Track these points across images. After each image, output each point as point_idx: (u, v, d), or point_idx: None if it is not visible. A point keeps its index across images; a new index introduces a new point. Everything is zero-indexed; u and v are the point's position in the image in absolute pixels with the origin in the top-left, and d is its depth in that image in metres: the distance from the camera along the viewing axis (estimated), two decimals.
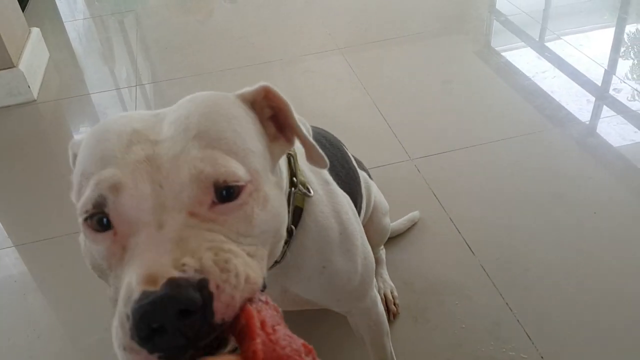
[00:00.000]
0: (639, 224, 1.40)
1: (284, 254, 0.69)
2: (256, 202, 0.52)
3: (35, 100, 2.20)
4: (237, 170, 0.50)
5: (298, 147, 0.65)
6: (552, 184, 1.55)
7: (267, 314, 0.45)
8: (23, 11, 2.46)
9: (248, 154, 0.53)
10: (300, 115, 0.62)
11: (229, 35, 2.63)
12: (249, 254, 0.50)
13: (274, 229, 0.55)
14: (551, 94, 1.95)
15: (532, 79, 2.06)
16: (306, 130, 0.62)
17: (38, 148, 1.95)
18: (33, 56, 2.30)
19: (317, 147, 0.62)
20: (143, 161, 0.49)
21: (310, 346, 0.45)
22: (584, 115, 1.82)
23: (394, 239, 1.42)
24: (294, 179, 0.70)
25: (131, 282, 0.44)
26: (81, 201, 0.50)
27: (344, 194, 0.82)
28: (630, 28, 2.39)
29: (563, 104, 1.89)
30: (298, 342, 0.44)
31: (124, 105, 2.18)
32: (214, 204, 0.49)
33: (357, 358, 1.14)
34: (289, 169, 0.70)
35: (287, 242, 0.69)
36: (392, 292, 1.26)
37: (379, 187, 1.32)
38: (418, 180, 1.60)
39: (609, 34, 2.37)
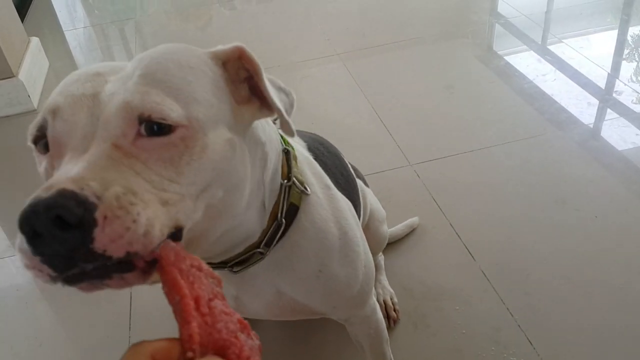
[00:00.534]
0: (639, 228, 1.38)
1: (270, 246, 0.68)
2: (188, 148, 0.51)
3: (35, 110, 2.20)
4: (167, 109, 0.50)
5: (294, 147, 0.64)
6: (553, 187, 1.54)
7: (202, 285, 0.44)
8: (22, 21, 2.47)
9: (191, 101, 0.53)
10: (298, 119, 0.62)
11: (227, 41, 2.62)
12: (165, 202, 0.49)
13: (207, 182, 0.53)
14: (552, 97, 1.94)
15: (533, 81, 2.05)
16: (288, 101, 0.62)
17: None
18: (33, 66, 2.30)
19: (285, 114, 0.60)
20: (89, 96, 0.52)
21: (246, 321, 0.44)
22: (586, 118, 1.81)
23: (393, 244, 1.41)
24: (290, 174, 0.69)
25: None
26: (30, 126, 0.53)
27: (345, 199, 0.82)
28: (633, 30, 2.38)
29: (564, 106, 1.88)
30: (234, 317, 0.43)
31: None
32: (138, 137, 0.50)
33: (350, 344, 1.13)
34: (286, 164, 0.70)
35: (277, 237, 0.69)
36: (391, 299, 1.25)
37: (378, 192, 1.32)
38: (418, 186, 1.60)
39: (611, 36, 2.36)
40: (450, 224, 1.45)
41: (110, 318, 1.31)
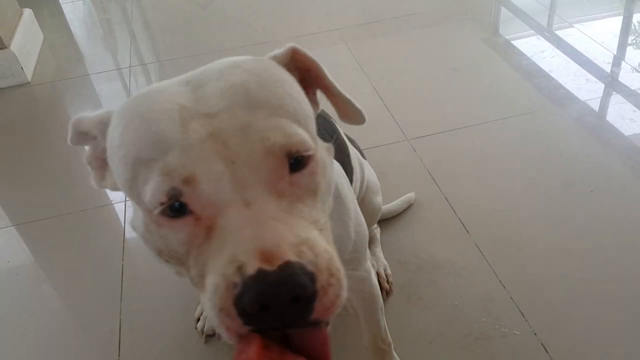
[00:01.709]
0: (636, 202, 1.38)
1: None
2: (321, 170, 0.52)
3: (29, 83, 2.18)
4: (306, 139, 0.49)
5: None
6: (550, 163, 1.53)
7: None
8: None
9: (307, 120, 0.52)
10: None
11: (226, 16, 2.60)
12: (328, 239, 0.50)
13: (328, 195, 0.54)
14: (550, 74, 1.92)
15: (532, 58, 2.03)
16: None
17: (32, 130, 1.94)
18: (25, 37, 2.27)
19: (354, 101, 0.61)
20: (207, 139, 0.46)
21: None
22: (583, 95, 1.80)
23: (390, 219, 1.40)
24: None
25: (236, 255, 0.44)
26: (150, 194, 0.47)
27: (334, 161, 0.81)
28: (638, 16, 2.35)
29: (562, 83, 1.87)
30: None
31: (124, 84, 2.16)
32: (290, 175, 0.48)
33: (350, 338, 1.13)
34: None
35: None
36: (385, 271, 1.25)
37: (375, 167, 1.31)
38: (414, 160, 1.59)
39: (617, 20, 2.32)
40: (446, 198, 1.44)
41: (102, 288, 1.31)
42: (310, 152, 0.49)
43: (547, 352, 1.07)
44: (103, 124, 0.55)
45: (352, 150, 1.06)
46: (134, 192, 0.49)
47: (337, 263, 0.47)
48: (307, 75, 0.59)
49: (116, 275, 1.33)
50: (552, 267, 1.23)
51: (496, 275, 1.23)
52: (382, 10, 2.47)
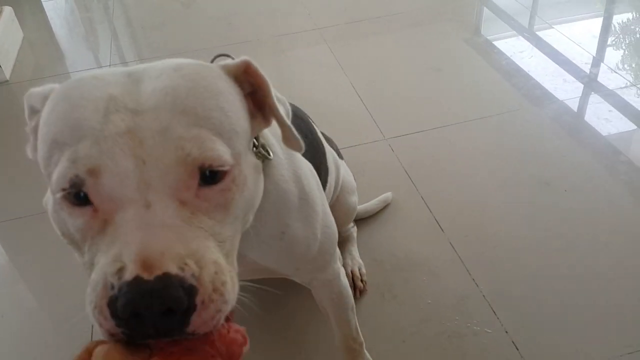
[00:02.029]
0: (610, 202, 1.39)
1: None
2: (237, 187, 0.51)
3: (7, 81, 2.16)
4: (223, 154, 0.49)
5: None
6: (526, 162, 1.54)
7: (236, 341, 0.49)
8: None
9: (233, 135, 0.52)
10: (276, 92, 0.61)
11: (208, 15, 2.59)
12: (227, 253, 0.50)
13: (245, 212, 0.55)
14: (529, 73, 1.94)
15: (511, 57, 2.04)
16: (285, 110, 0.61)
17: (9, 129, 1.92)
18: (5, 35, 2.25)
19: (294, 129, 0.60)
20: (124, 134, 0.46)
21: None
22: (560, 94, 1.81)
23: (366, 218, 1.41)
24: (255, 140, 0.68)
25: (121, 255, 0.44)
26: (55, 177, 0.47)
27: (306, 161, 0.81)
28: (619, 18, 2.36)
29: (540, 82, 1.88)
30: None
31: None
32: (198, 188, 0.48)
33: (322, 334, 1.13)
34: None
35: None
36: (360, 269, 1.25)
37: (352, 166, 1.31)
38: (391, 159, 1.59)
39: (597, 22, 2.34)
40: (422, 197, 1.45)
41: (76, 288, 1.29)
42: (224, 168, 0.49)
43: (517, 349, 1.08)
44: (45, 99, 0.55)
45: (328, 150, 1.06)
46: (46, 171, 0.50)
47: (224, 277, 0.47)
48: (258, 92, 0.59)
49: None
50: (525, 266, 1.24)
51: (469, 274, 1.23)
52: (364, 10, 2.48)
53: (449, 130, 1.69)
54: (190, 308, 0.44)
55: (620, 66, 1.94)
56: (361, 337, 1.01)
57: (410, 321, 1.16)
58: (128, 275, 0.43)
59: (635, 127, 1.66)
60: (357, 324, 1.01)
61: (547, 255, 1.26)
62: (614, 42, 2.12)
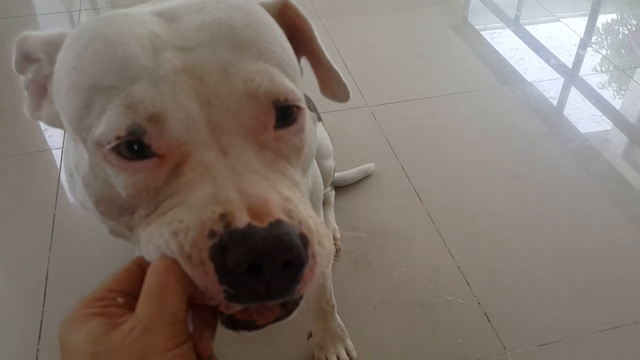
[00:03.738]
0: (590, 181, 1.39)
1: None
2: (304, 130, 0.46)
3: None
4: (296, 89, 0.43)
5: None
6: (507, 138, 1.52)
7: None
8: None
9: (295, 74, 0.46)
10: None
11: None
12: (308, 204, 0.45)
13: (310, 166, 0.49)
14: (514, 64, 1.91)
15: (497, 49, 2.01)
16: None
17: None
18: None
19: (341, 74, 0.55)
20: (181, 72, 0.40)
21: None
22: (545, 85, 1.80)
23: (346, 186, 1.37)
24: None
25: (217, 200, 0.38)
26: (103, 127, 0.39)
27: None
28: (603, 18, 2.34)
29: (527, 71, 1.86)
30: None
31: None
32: (274, 129, 0.43)
33: None
34: None
35: None
36: (334, 234, 1.23)
37: (332, 130, 1.28)
38: (373, 127, 1.56)
39: (582, 20, 2.32)
40: (402, 166, 1.42)
41: (31, 237, 1.23)
42: (300, 103, 0.43)
43: (489, 321, 1.07)
44: (53, 45, 0.47)
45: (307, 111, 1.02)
46: (82, 124, 0.42)
47: (324, 229, 0.42)
48: (295, 36, 0.52)
49: (47, 225, 1.25)
50: (502, 240, 1.23)
51: (445, 245, 1.22)
52: None
53: (432, 102, 1.66)
54: (304, 262, 0.38)
55: (601, 64, 1.94)
56: (333, 299, 0.98)
57: (382, 289, 1.13)
58: (239, 222, 0.37)
59: (613, 108, 1.65)
60: (332, 286, 0.99)
61: (525, 230, 1.25)
62: (597, 41, 2.10)
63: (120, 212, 0.44)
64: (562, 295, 1.12)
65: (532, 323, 1.06)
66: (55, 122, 0.50)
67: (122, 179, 0.41)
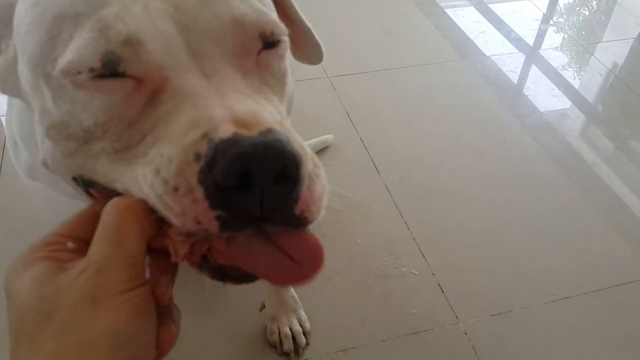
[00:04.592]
0: (544, 155, 1.40)
1: None
2: (285, 64, 0.44)
3: None
4: (280, 22, 0.41)
5: None
6: (466, 110, 1.52)
7: None
8: None
9: (273, 11, 0.44)
10: None
11: None
12: None
13: (291, 105, 0.47)
14: (475, 40, 1.90)
15: (462, 27, 2.00)
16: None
17: None
18: None
19: (314, 33, 0.54)
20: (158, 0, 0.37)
21: None
22: (505, 59, 1.80)
23: None
24: None
25: (198, 121, 0.34)
26: (73, 55, 0.36)
27: None
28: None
29: (489, 48, 1.86)
30: None
31: None
32: (257, 54, 0.40)
33: None
34: None
35: None
36: None
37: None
38: (332, 98, 1.53)
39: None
40: (360, 138, 1.40)
41: None
42: (284, 38, 0.41)
43: (442, 292, 1.07)
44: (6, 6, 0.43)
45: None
46: (46, 57, 0.38)
47: (315, 158, 0.39)
48: None
49: None
50: (457, 213, 1.23)
51: (402, 217, 1.21)
52: None
53: (393, 74, 1.63)
54: (299, 175, 0.35)
55: (562, 42, 1.95)
56: None
57: (337, 260, 1.12)
58: (224, 133, 0.33)
59: (573, 84, 1.67)
60: None
61: (480, 202, 1.26)
62: (558, 22, 2.11)
63: (87, 140, 0.39)
64: (515, 267, 1.12)
65: (485, 294, 1.07)
66: (5, 78, 0.44)
67: (94, 104, 0.37)
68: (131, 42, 0.36)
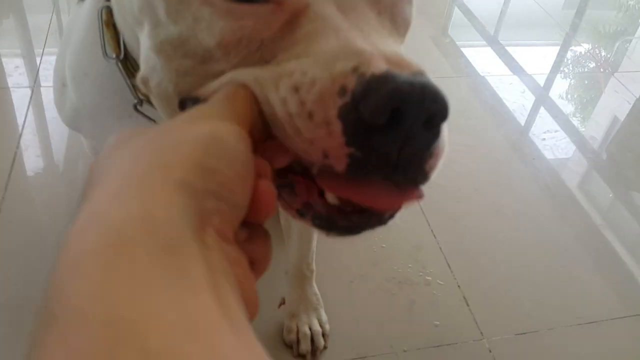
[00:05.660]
0: (572, 171, 1.37)
1: None
2: None
3: None
4: None
5: None
6: (495, 122, 1.49)
7: None
8: None
9: None
10: None
11: None
12: None
13: None
14: (486, 77, 1.88)
15: (473, 62, 1.97)
16: None
17: None
18: None
19: None
20: None
21: None
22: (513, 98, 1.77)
23: None
24: None
25: (347, 51, 0.31)
26: None
27: None
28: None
29: (499, 92, 1.83)
30: None
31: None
32: None
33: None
34: None
35: None
36: None
37: None
38: None
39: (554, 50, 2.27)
40: None
41: None
42: None
43: (467, 305, 1.03)
44: None
45: None
46: None
47: None
48: None
49: (5, 164, 1.15)
50: (486, 224, 1.20)
51: (429, 224, 1.17)
52: None
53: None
54: (441, 130, 0.32)
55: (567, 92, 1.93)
56: (314, 265, 0.92)
57: (361, 263, 1.08)
58: (376, 69, 0.30)
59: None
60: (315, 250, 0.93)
61: (509, 217, 1.22)
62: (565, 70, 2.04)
63: (197, 61, 0.36)
64: (543, 286, 1.09)
65: (511, 311, 1.03)
66: None
67: (221, 25, 0.34)
68: None
